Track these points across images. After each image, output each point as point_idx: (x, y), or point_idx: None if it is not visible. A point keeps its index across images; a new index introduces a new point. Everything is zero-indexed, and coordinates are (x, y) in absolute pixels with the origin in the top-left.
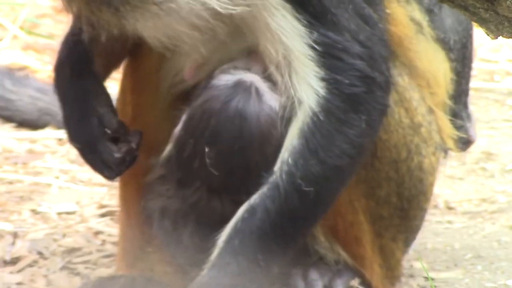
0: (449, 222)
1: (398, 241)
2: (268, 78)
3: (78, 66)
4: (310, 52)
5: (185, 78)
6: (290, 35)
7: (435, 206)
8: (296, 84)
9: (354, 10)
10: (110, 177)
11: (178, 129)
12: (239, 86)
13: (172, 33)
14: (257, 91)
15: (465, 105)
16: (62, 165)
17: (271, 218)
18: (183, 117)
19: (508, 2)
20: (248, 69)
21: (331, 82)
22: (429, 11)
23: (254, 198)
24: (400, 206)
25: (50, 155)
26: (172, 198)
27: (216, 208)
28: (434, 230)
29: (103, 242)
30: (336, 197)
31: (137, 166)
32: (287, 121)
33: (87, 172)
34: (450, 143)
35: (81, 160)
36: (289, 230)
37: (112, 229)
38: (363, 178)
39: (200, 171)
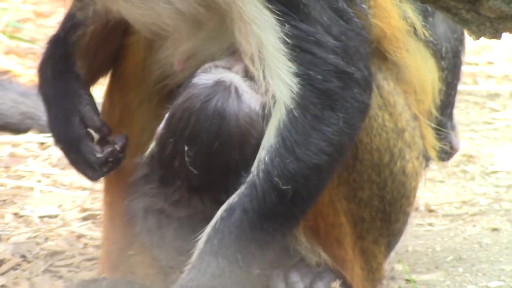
0: (430, 224)
1: (380, 244)
2: (250, 77)
3: (59, 66)
4: (281, 46)
5: (176, 69)
6: (262, 27)
7: (416, 209)
8: (269, 79)
9: (327, 3)
10: (93, 178)
11: (160, 127)
12: (219, 85)
13: (156, 18)
14: (237, 90)
15: (450, 116)
16: (44, 169)
17: (249, 217)
18: (166, 116)
19: (489, 3)
20: (229, 68)
21: (304, 78)
22: (423, 15)
23: (233, 197)
24: (382, 209)
25: (32, 159)
26: (155, 197)
27: (197, 207)
28: (415, 233)
29: (85, 245)
30: (316, 197)
31: (122, 167)
32: (268, 119)
33: (69, 176)
34: (432, 153)
35: (62, 164)
36: (268, 230)
37: (94, 232)
38: (344, 180)
39: (181, 170)
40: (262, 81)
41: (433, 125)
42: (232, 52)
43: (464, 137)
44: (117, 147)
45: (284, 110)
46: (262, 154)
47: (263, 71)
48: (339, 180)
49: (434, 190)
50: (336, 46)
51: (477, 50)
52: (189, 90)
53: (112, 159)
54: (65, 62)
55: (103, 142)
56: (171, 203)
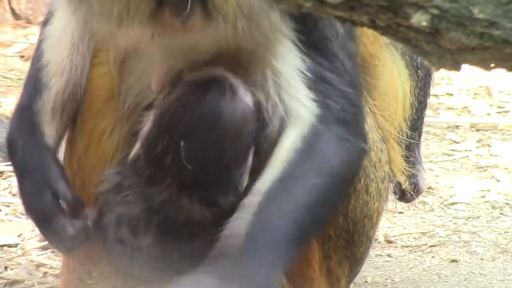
0: (389, 255)
1: (344, 267)
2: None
3: (28, 139)
4: (302, 77)
5: (154, 89)
6: (285, 60)
7: (376, 240)
8: (286, 99)
9: (341, 42)
10: (64, 251)
11: (146, 128)
12: (213, 81)
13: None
14: (231, 86)
15: (418, 147)
16: (4, 198)
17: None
18: (151, 117)
19: (450, 35)
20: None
21: (322, 104)
22: None
23: (240, 217)
24: (346, 228)
25: None
26: (130, 204)
27: (184, 208)
28: (374, 264)
29: (45, 274)
30: (320, 227)
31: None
32: (264, 126)
33: None
34: (401, 177)
35: None
36: (268, 259)
37: (53, 261)
38: None
39: (173, 167)
40: (277, 100)
41: (403, 142)
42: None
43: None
44: (89, 222)
45: (303, 127)
46: (275, 172)
47: (279, 95)
48: None
49: (393, 221)
50: (350, 81)
51: (437, 82)
52: (182, 88)
53: (83, 234)
54: (34, 134)
55: (75, 214)
56: (157, 203)
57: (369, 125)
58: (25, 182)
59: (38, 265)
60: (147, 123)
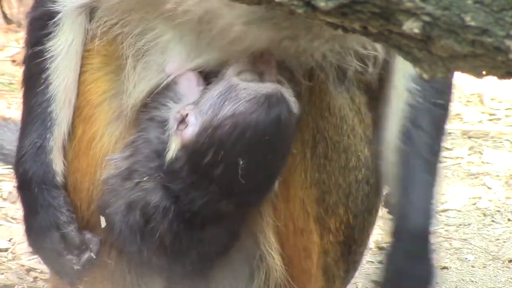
0: (381, 262)
1: (339, 267)
2: (281, 81)
3: (41, 178)
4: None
5: (168, 72)
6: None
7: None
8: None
9: None
10: (71, 283)
11: (189, 132)
12: (270, 99)
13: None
14: (287, 102)
15: None
16: None
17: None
18: (193, 119)
19: (441, 42)
20: (261, 72)
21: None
22: None
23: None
24: (346, 222)
25: None
26: (146, 191)
27: (213, 207)
28: (365, 271)
29: (35, 279)
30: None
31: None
32: None
33: (19, 209)
34: None
35: (13, 197)
36: None
37: (44, 266)
38: (316, 181)
39: (222, 178)
40: None
41: None
42: (260, 55)
43: None
44: (93, 254)
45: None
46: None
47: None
48: (312, 181)
49: (384, 228)
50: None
51: None
52: (236, 104)
53: (88, 266)
54: (47, 174)
55: (80, 252)
56: (196, 206)
57: (372, 118)
58: (34, 220)
59: (29, 270)
60: (189, 125)
